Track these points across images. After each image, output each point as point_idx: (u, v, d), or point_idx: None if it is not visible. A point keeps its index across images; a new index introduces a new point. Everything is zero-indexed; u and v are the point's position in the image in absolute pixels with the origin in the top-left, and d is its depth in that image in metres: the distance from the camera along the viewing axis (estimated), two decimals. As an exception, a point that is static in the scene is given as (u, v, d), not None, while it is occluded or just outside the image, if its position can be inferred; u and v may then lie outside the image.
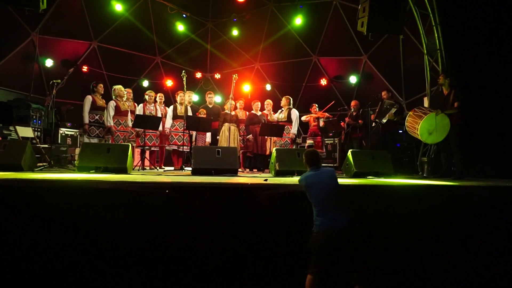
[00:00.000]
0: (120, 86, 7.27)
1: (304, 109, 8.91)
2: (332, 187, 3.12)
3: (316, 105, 8.51)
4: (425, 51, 7.58)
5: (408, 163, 7.98)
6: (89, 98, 6.82)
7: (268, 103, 8.19)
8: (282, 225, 3.54)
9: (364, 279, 2.93)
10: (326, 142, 9.09)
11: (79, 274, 3.37)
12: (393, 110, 7.18)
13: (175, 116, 7.38)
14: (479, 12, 6.65)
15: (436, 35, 7.30)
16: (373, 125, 7.51)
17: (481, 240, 3.74)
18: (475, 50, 6.75)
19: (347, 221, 3.00)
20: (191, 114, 7.39)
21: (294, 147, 7.83)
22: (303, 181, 3.19)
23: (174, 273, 3.44)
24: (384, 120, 7.17)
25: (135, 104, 7.62)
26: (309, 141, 8.46)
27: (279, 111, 8.09)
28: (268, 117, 8.02)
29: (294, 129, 7.74)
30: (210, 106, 8.08)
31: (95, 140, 6.77)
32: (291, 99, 8.09)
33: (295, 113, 7.84)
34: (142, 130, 7.02)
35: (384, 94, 7.62)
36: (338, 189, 3.15)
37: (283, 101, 8.00)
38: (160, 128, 7.25)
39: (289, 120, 7.77)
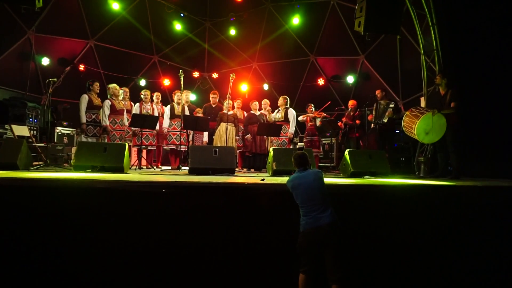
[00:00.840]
0: (114, 85, 7.21)
1: (301, 109, 8.91)
2: (317, 188, 3.15)
3: (312, 105, 8.51)
4: (422, 51, 7.60)
5: (405, 163, 8.00)
6: (85, 97, 6.77)
7: (266, 103, 8.18)
8: (279, 224, 3.54)
9: (344, 279, 2.93)
10: (324, 141, 9.09)
11: (75, 273, 3.35)
12: (391, 109, 7.18)
13: (173, 116, 7.35)
14: (476, 12, 6.67)
15: (433, 35, 7.32)
16: (371, 126, 7.50)
17: (478, 240, 3.75)
18: (472, 50, 6.78)
19: (331, 220, 3.03)
20: (188, 114, 7.37)
21: (291, 147, 7.82)
22: (290, 183, 3.28)
23: (171, 271, 3.43)
24: (385, 120, 7.15)
25: (132, 103, 7.58)
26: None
27: (276, 110, 8.08)
28: (267, 117, 8.00)
29: (291, 128, 7.74)
30: (214, 106, 8.08)
31: (92, 140, 6.73)
32: (288, 98, 8.08)
33: (292, 113, 7.83)
34: (139, 129, 7.00)
35: (378, 92, 7.54)
36: (323, 189, 3.18)
37: (280, 101, 8.00)
38: (157, 127, 7.22)
39: (286, 119, 7.75)
